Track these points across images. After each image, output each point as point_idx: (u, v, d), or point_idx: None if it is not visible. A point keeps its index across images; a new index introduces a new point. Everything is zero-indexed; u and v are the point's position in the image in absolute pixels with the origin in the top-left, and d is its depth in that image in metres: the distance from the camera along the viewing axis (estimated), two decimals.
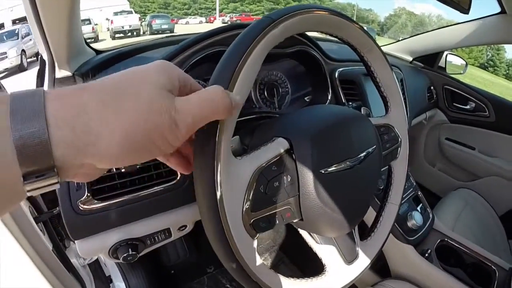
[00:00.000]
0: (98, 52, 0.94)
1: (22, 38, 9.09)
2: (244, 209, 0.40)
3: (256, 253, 0.42)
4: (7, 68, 8.35)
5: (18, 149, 0.23)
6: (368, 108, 1.02)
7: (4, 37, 9.17)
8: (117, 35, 15.89)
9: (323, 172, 0.46)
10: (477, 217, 1.44)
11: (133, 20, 16.40)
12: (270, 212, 0.44)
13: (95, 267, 1.34)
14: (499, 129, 1.71)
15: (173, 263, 1.59)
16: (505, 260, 1.06)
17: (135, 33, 16.19)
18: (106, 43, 14.28)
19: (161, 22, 17.91)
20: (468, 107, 1.77)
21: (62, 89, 0.27)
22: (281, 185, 0.45)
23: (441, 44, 1.71)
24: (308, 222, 0.48)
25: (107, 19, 17.56)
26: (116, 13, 17.19)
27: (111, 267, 1.32)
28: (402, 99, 0.68)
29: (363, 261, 0.60)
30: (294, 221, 0.48)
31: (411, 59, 1.83)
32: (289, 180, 0.46)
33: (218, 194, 0.36)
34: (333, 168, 0.48)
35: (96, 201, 0.61)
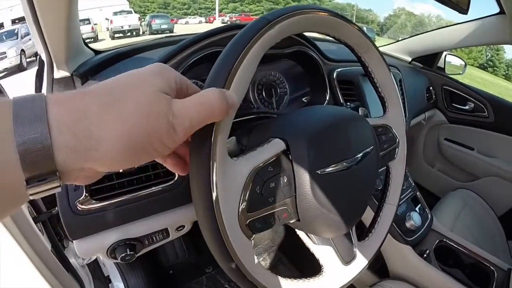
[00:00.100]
0: (96, 52, 0.94)
1: (22, 37, 9.08)
2: (240, 209, 0.40)
3: (253, 253, 0.42)
4: (6, 68, 8.35)
5: (21, 154, 0.23)
6: (366, 109, 1.02)
7: (4, 37, 9.16)
8: (116, 35, 15.88)
9: (319, 173, 0.46)
10: (476, 217, 1.45)
11: (132, 20, 16.38)
12: (267, 213, 0.44)
13: (94, 267, 1.34)
14: (498, 129, 1.71)
15: (172, 263, 1.59)
16: (504, 261, 1.06)
17: (134, 33, 16.17)
18: (106, 43, 14.27)
19: (161, 22, 17.90)
20: (467, 107, 1.78)
21: (63, 94, 0.27)
22: (278, 186, 0.45)
23: (440, 45, 1.71)
24: (305, 223, 0.48)
25: (106, 19, 17.56)
26: (115, 13, 17.16)
27: (110, 267, 1.32)
28: (400, 99, 0.68)
29: (360, 262, 0.60)
30: (291, 221, 0.48)
31: (410, 59, 1.83)
32: (285, 181, 0.46)
33: (214, 194, 0.36)
34: (330, 169, 0.48)
35: (94, 201, 0.62)
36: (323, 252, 0.58)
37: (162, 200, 0.68)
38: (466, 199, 1.52)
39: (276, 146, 0.46)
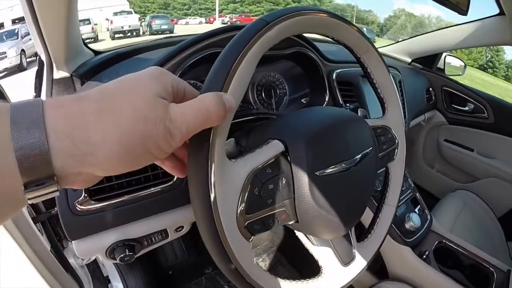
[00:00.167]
0: (96, 52, 0.94)
1: (22, 37, 9.08)
2: (238, 211, 0.40)
3: (251, 255, 0.42)
4: (6, 68, 8.36)
5: (19, 159, 0.23)
6: (365, 110, 1.02)
7: (4, 37, 9.17)
8: (116, 35, 15.87)
9: (318, 174, 0.46)
10: (476, 218, 1.45)
11: (132, 21, 16.37)
12: (265, 215, 0.44)
13: (93, 267, 1.34)
14: (497, 130, 1.71)
15: (171, 264, 1.59)
16: (504, 262, 1.06)
17: (134, 34, 16.16)
18: (106, 43, 14.27)
19: (161, 22, 17.89)
20: (466, 108, 1.78)
21: (60, 98, 0.27)
22: (276, 187, 0.45)
23: (440, 46, 1.71)
24: (303, 224, 0.48)
25: (106, 19, 17.55)
26: (116, 13, 17.15)
27: (109, 267, 1.32)
28: (399, 100, 0.68)
29: (359, 263, 0.60)
30: (290, 223, 0.48)
31: (410, 60, 1.83)
32: (284, 182, 0.46)
33: (212, 196, 0.36)
34: (329, 170, 0.48)
35: (93, 202, 0.62)
36: (322, 253, 0.58)
37: (161, 201, 0.68)
38: (466, 200, 1.52)
39: (274, 147, 0.46)
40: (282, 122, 0.55)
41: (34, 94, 0.95)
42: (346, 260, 0.59)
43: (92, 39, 13.58)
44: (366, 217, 0.71)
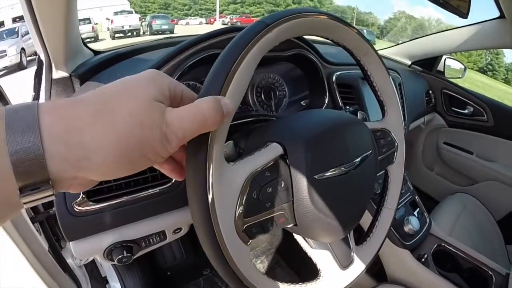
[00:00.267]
0: (96, 52, 0.94)
1: (22, 36, 9.09)
2: (236, 215, 0.40)
3: (250, 258, 0.42)
4: (6, 66, 8.36)
5: (14, 163, 0.23)
6: (365, 112, 1.02)
7: (4, 35, 9.18)
8: (117, 35, 15.90)
9: (317, 178, 0.46)
10: (475, 221, 1.44)
11: (133, 20, 16.39)
12: (263, 218, 0.43)
13: (91, 267, 1.34)
14: (497, 133, 1.71)
15: (170, 265, 1.59)
16: (502, 265, 1.06)
17: (135, 33, 16.18)
18: (106, 43, 14.29)
19: (161, 22, 17.90)
20: (466, 111, 1.78)
21: (56, 102, 0.27)
22: (275, 191, 0.44)
23: (440, 48, 1.71)
24: (302, 227, 0.48)
25: (107, 18, 17.57)
26: (116, 13, 17.18)
27: (107, 268, 1.31)
28: (399, 103, 0.68)
29: (358, 266, 0.60)
30: (288, 226, 0.48)
31: (409, 63, 1.83)
32: (283, 185, 0.45)
33: (210, 200, 0.36)
34: (328, 174, 0.47)
35: (91, 203, 0.61)
36: (320, 257, 0.58)
37: (160, 202, 0.68)
38: (465, 203, 1.52)
39: (273, 150, 0.46)
40: (281, 125, 0.55)
41: (33, 93, 0.94)
42: (345, 263, 0.59)
43: (93, 39, 13.61)
44: (365, 220, 0.71)
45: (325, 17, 0.49)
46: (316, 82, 0.97)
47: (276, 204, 0.45)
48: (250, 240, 0.42)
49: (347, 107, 1.01)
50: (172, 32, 17.52)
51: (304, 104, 0.99)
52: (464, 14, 1.22)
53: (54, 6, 0.62)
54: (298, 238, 0.60)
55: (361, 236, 0.66)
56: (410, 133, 1.78)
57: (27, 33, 9.11)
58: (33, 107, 0.25)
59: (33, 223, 0.97)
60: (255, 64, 0.41)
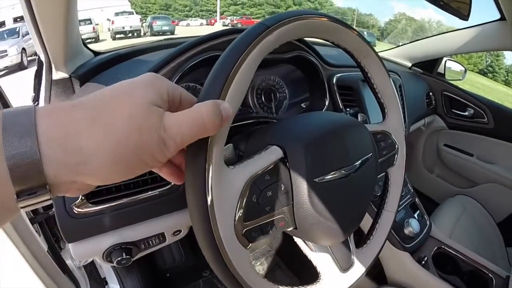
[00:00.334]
0: (96, 53, 0.94)
1: (23, 36, 9.09)
2: (236, 219, 0.39)
3: (249, 263, 0.42)
4: (7, 66, 8.36)
5: (11, 168, 0.23)
6: (365, 115, 1.02)
7: (5, 35, 9.19)
8: (117, 36, 15.92)
9: (317, 181, 0.46)
10: (475, 224, 1.44)
11: (134, 21, 16.40)
12: (263, 222, 0.43)
13: (91, 268, 1.34)
14: (497, 136, 1.70)
15: (169, 267, 1.58)
16: (502, 268, 1.06)
17: (135, 34, 16.19)
18: (107, 43, 14.31)
19: (162, 23, 17.90)
20: (466, 113, 1.77)
21: (53, 106, 0.27)
22: (275, 194, 0.44)
23: (441, 50, 1.71)
24: (302, 231, 0.47)
25: (108, 19, 17.57)
26: (117, 14, 17.20)
27: (106, 269, 1.31)
28: (400, 105, 0.68)
29: (358, 269, 0.60)
30: (288, 229, 0.48)
31: (410, 65, 1.82)
32: (282, 189, 0.45)
33: (209, 204, 0.36)
34: (328, 177, 0.47)
35: (90, 205, 0.61)
36: (320, 260, 0.58)
37: (159, 205, 0.68)
38: (465, 205, 1.52)
39: (273, 153, 0.45)
40: (281, 128, 0.55)
41: (33, 94, 0.94)
42: (345, 266, 0.59)
43: (93, 39, 13.65)
44: (365, 222, 0.71)
45: (326, 19, 0.49)
46: (316, 84, 0.97)
47: (276, 207, 0.44)
48: (250, 244, 0.42)
49: (348, 109, 1.01)
50: (172, 33, 17.54)
51: (304, 106, 0.99)
52: (465, 16, 1.22)
53: (54, 6, 0.61)
54: (298, 241, 0.60)
55: (361, 239, 0.66)
56: (410, 135, 1.78)
57: (28, 33, 9.03)
58: (30, 111, 0.25)
59: (32, 224, 0.97)
60: (255, 67, 0.41)
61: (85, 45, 0.89)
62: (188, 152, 0.36)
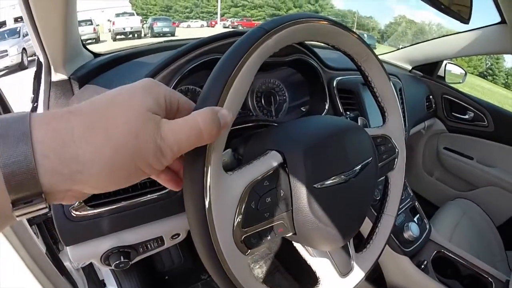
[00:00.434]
0: (95, 55, 0.93)
1: (24, 36, 9.08)
2: (234, 226, 0.39)
3: (248, 269, 0.41)
4: (7, 66, 8.36)
5: (6, 176, 0.23)
6: (365, 118, 1.01)
7: (6, 35, 9.18)
8: (118, 37, 15.95)
9: (316, 186, 0.45)
10: (475, 227, 1.44)
11: (134, 22, 16.44)
12: (262, 228, 0.43)
13: (89, 270, 1.33)
14: (497, 139, 1.70)
15: (168, 269, 1.58)
16: (502, 271, 1.05)
17: (136, 35, 16.23)
18: (107, 44, 14.33)
19: (163, 25, 17.96)
20: (467, 116, 1.77)
21: (49, 113, 0.26)
22: (274, 200, 0.44)
23: (441, 53, 1.71)
24: (301, 236, 0.47)
25: (108, 20, 17.60)
26: (118, 15, 17.22)
27: (104, 271, 1.31)
28: (400, 109, 0.67)
29: (357, 274, 0.59)
30: (287, 235, 0.47)
31: (410, 67, 1.83)
32: (282, 195, 0.45)
33: (207, 211, 0.35)
34: (328, 182, 0.47)
35: (88, 208, 0.61)
36: (319, 264, 0.57)
37: (158, 208, 0.67)
38: (465, 208, 1.52)
39: (272, 159, 0.45)
40: (280, 132, 0.54)
41: (32, 95, 0.94)
42: (344, 271, 0.58)
43: (94, 40, 13.69)
44: (365, 227, 0.70)
45: (326, 22, 0.49)
46: (316, 87, 0.97)
47: (275, 213, 0.44)
48: (249, 250, 0.41)
49: (348, 112, 1.00)
50: (173, 34, 17.59)
51: (304, 109, 0.98)
52: (465, 20, 1.22)
53: (53, 8, 0.61)
54: (297, 245, 0.59)
55: (361, 243, 0.65)
56: (410, 138, 1.78)
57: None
58: (25, 119, 0.25)
59: (30, 225, 0.96)
60: (254, 71, 0.40)
61: (84, 46, 0.89)
62: (186, 158, 0.35)
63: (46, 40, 0.66)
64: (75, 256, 0.65)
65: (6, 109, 1.17)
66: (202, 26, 30.99)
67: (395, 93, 0.65)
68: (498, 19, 1.37)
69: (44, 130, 0.25)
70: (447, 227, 1.34)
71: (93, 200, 0.62)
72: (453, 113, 1.83)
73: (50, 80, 0.73)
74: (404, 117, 1.34)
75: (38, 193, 0.25)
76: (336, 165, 0.49)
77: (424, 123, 1.77)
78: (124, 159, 0.27)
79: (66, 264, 1.13)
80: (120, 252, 0.67)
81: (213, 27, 31.43)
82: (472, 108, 1.74)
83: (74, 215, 0.60)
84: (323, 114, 0.94)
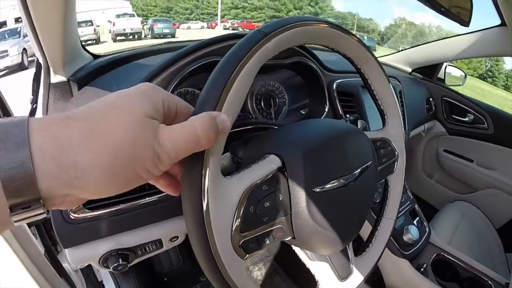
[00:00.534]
0: (95, 56, 0.93)
1: (24, 36, 9.07)
2: (233, 230, 0.39)
3: (247, 273, 0.41)
4: (7, 66, 8.35)
5: (4, 181, 0.23)
6: (365, 121, 1.01)
7: (6, 35, 9.19)
8: (118, 38, 15.95)
9: (316, 191, 0.45)
10: (474, 230, 1.44)
11: (135, 23, 16.45)
12: (260, 232, 0.42)
13: (88, 272, 1.33)
14: (497, 141, 1.70)
15: (167, 271, 1.58)
16: (502, 273, 1.05)
17: (136, 37, 16.22)
18: (108, 45, 14.34)
19: (163, 26, 17.95)
20: (466, 119, 1.77)
21: (47, 119, 0.27)
22: (272, 204, 0.43)
23: (441, 56, 1.71)
24: (300, 240, 0.47)
25: (109, 21, 17.59)
26: (118, 16, 17.25)
27: (103, 272, 1.31)
28: (400, 112, 0.67)
29: (356, 278, 0.59)
30: (286, 239, 0.47)
31: (410, 70, 1.82)
32: (280, 199, 0.44)
33: (206, 216, 0.35)
34: (327, 186, 0.46)
35: (87, 210, 0.61)
36: (319, 268, 0.57)
37: (156, 211, 0.67)
38: (465, 211, 1.52)
39: (271, 163, 0.45)
40: (279, 136, 0.54)
41: (32, 97, 0.94)
42: (343, 274, 0.58)
43: (94, 41, 13.71)
44: (364, 230, 0.70)
45: (325, 25, 0.49)
46: (316, 90, 0.96)
47: (274, 218, 0.44)
48: (247, 255, 0.41)
49: (348, 115, 1.00)
50: (173, 36, 17.62)
51: (304, 112, 0.98)
52: (465, 22, 1.22)
53: (52, 9, 0.61)
54: (296, 249, 0.59)
55: (360, 247, 0.65)
56: (410, 141, 1.78)
57: None
58: (23, 124, 0.25)
59: (29, 226, 0.96)
60: (253, 75, 0.40)
61: (84, 48, 0.89)
62: (184, 163, 0.35)
63: (45, 41, 0.66)
64: (73, 258, 0.65)
65: (6, 111, 1.17)
66: (202, 27, 30.97)
67: (395, 96, 0.65)
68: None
69: (43, 136, 0.25)
70: (447, 230, 1.34)
71: (91, 203, 0.62)
72: (453, 116, 1.83)
73: (49, 81, 0.73)
74: (404, 119, 1.34)
75: (36, 199, 0.25)
76: (336, 168, 0.49)
77: (424, 126, 1.76)
78: (122, 165, 0.27)
79: (65, 265, 1.13)
80: (118, 254, 0.67)
81: (213, 28, 31.43)
82: (472, 111, 1.74)
83: (73, 218, 0.60)
84: (322, 117, 0.94)
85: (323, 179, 0.46)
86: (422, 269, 1.02)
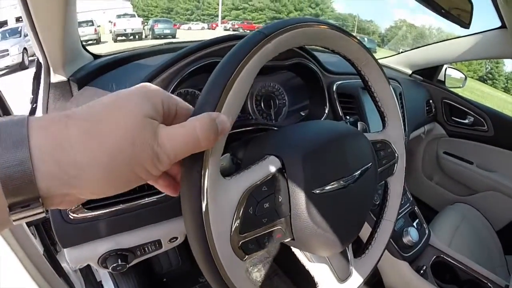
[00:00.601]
0: (95, 56, 0.93)
1: (25, 36, 9.07)
2: (232, 232, 0.38)
3: (246, 275, 0.41)
4: (8, 66, 8.37)
5: (3, 180, 0.23)
6: (365, 123, 1.01)
7: (7, 35, 9.19)
8: (119, 38, 15.96)
9: (315, 192, 0.45)
10: (474, 232, 1.44)
11: (135, 24, 16.46)
12: (260, 234, 0.42)
13: (86, 272, 1.33)
14: (497, 143, 1.70)
15: (166, 271, 1.57)
16: (502, 276, 1.05)
17: (137, 37, 16.24)
18: (108, 45, 14.35)
19: (164, 26, 17.97)
20: (466, 121, 1.77)
21: (46, 118, 0.27)
22: (272, 206, 0.43)
23: (441, 58, 1.71)
24: (299, 242, 0.47)
25: (110, 21, 17.61)
26: (119, 16, 17.27)
27: (102, 272, 1.31)
28: (400, 114, 0.67)
29: (356, 280, 0.59)
30: (285, 241, 0.47)
31: (410, 72, 1.82)
32: (280, 200, 0.44)
33: (205, 217, 0.35)
34: (326, 188, 0.46)
35: (86, 210, 0.61)
36: (318, 270, 0.57)
37: (155, 211, 0.67)
38: (464, 213, 1.52)
39: (271, 164, 0.45)
40: (279, 137, 0.54)
41: (32, 96, 0.94)
42: (343, 276, 0.58)
43: (95, 41, 13.72)
44: (364, 232, 0.70)
45: (325, 27, 0.48)
46: (316, 92, 0.96)
47: (273, 219, 0.44)
48: (246, 256, 0.41)
49: (347, 117, 1.00)
50: (174, 36, 17.65)
51: (303, 114, 0.98)
52: (466, 24, 1.22)
53: (52, 9, 0.61)
54: (296, 250, 0.59)
55: (360, 248, 0.65)
56: (410, 143, 1.78)
57: None
58: (23, 123, 0.25)
59: (28, 226, 0.96)
60: (253, 76, 0.40)
61: (84, 48, 0.89)
62: (184, 163, 0.35)
63: (45, 41, 0.66)
64: (72, 258, 0.65)
65: (6, 111, 1.17)
66: (203, 28, 31.04)
67: (395, 98, 0.65)
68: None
69: (42, 135, 0.25)
70: (447, 232, 1.34)
71: (90, 203, 0.62)
72: (453, 118, 1.83)
73: (49, 81, 0.73)
74: (404, 121, 1.34)
75: (35, 198, 0.25)
76: (335, 170, 0.49)
77: (424, 128, 1.76)
78: (121, 165, 0.27)
79: (64, 265, 1.13)
80: (117, 255, 0.67)
81: (214, 29, 31.48)
82: (472, 113, 1.74)
83: (72, 218, 0.60)
84: (322, 118, 0.94)
85: (322, 180, 0.46)
86: (421, 271, 1.02)
